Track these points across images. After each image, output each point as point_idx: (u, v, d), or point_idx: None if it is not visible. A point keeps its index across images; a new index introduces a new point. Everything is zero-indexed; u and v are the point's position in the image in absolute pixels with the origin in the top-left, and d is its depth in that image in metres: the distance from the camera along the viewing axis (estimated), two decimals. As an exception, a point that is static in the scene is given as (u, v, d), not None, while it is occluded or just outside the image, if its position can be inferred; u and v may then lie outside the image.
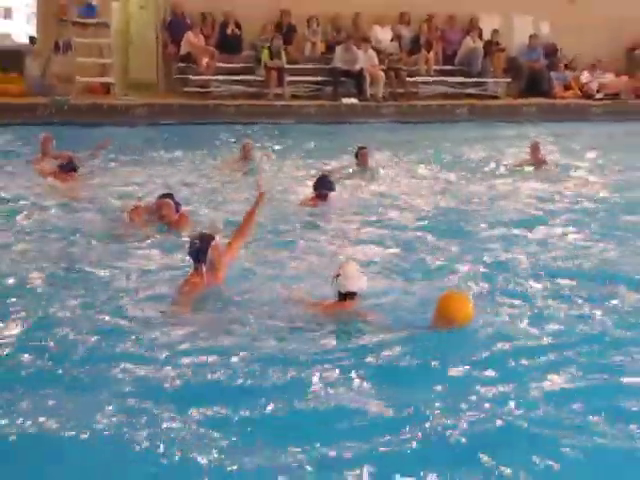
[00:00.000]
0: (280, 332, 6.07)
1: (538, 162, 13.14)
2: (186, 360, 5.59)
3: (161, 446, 4.55)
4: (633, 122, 19.75)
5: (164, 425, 4.75)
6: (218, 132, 16.09)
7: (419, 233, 9.06)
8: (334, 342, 5.92)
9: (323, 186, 10.14)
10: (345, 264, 6.40)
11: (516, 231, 9.18)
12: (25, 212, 9.54)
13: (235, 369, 5.48)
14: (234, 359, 5.61)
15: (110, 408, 4.90)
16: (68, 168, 11.05)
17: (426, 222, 9.59)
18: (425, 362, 5.65)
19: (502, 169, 13.44)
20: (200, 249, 6.42)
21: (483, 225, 9.54)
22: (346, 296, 6.18)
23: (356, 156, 12.47)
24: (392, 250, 8.41)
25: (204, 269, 6.40)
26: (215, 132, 16.12)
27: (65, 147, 12.44)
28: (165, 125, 16.91)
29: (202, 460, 4.43)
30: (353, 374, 5.42)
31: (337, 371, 5.46)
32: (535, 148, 13.38)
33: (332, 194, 10.18)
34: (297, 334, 6.05)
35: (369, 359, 5.68)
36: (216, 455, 4.48)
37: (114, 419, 4.80)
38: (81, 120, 16.43)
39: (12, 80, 17.85)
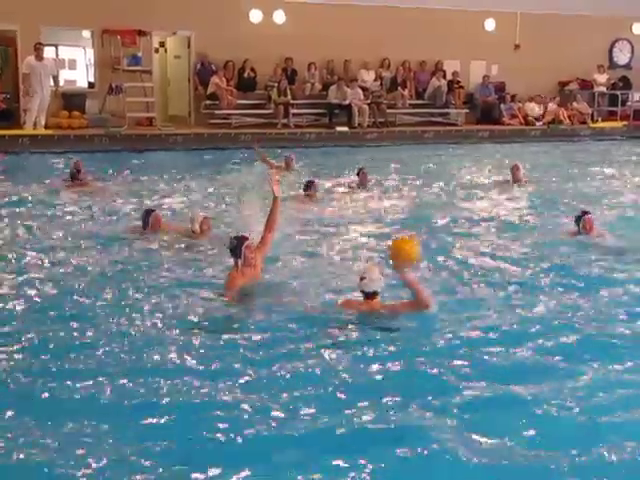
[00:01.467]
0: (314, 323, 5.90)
1: (517, 180, 12.88)
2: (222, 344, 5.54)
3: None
4: (563, 143, 19.95)
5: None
6: (237, 155, 16.11)
7: (399, 227, 9.35)
8: (368, 333, 5.71)
9: (310, 188, 10.81)
10: (369, 268, 6.14)
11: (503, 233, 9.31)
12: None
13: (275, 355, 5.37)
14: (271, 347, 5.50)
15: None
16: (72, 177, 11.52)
17: (405, 220, 9.89)
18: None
19: (474, 183, 13.35)
20: (236, 247, 6.39)
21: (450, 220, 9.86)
22: (370, 294, 5.93)
23: (357, 174, 12.69)
24: (373, 237, 8.74)
25: (239, 264, 6.37)
26: (235, 155, 16.14)
27: (116, 167, 12.49)
28: (196, 150, 16.92)
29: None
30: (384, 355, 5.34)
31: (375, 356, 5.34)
32: (516, 168, 13.03)
33: (317, 194, 10.70)
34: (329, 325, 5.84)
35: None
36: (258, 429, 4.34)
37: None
38: (130, 146, 16.50)
39: (76, 116, 17.89)
